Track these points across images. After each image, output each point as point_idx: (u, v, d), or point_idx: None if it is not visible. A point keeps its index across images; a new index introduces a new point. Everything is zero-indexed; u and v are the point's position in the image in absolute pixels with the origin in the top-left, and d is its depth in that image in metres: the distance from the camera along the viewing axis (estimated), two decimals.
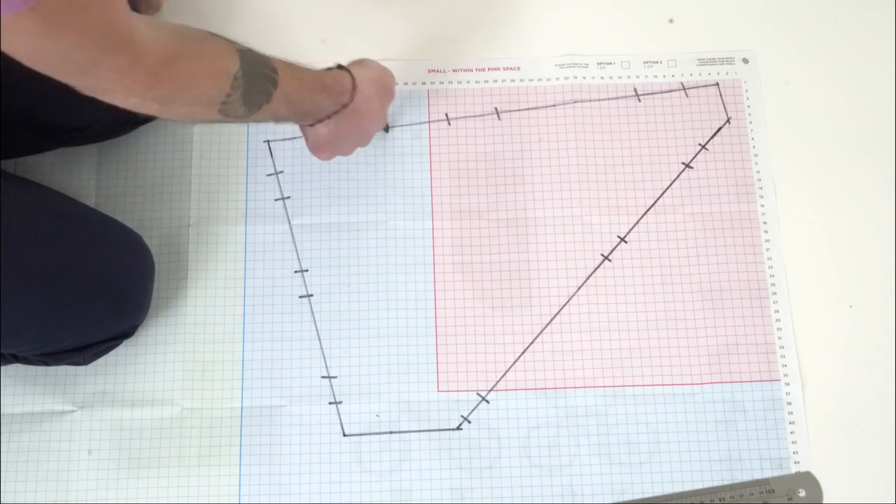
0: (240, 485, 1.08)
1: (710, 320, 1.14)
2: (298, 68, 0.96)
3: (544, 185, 1.19)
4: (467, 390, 1.11)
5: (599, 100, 1.23)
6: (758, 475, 1.09)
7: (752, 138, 1.22)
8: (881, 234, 1.18)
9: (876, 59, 1.26)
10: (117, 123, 1.15)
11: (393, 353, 1.12)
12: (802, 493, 1.08)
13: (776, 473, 1.09)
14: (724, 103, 1.23)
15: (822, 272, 1.17)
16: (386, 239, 1.16)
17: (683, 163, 1.20)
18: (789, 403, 1.11)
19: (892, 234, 1.18)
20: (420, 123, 1.21)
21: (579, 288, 1.15)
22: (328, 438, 1.09)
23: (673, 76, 1.24)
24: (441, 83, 1.23)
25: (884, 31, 1.27)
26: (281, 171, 1.19)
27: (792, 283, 1.16)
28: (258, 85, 0.89)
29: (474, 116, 1.22)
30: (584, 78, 1.24)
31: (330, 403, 1.11)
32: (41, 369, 1.10)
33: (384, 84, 1.10)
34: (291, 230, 1.17)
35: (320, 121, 1.03)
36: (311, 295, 1.14)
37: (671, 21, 1.28)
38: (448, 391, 1.11)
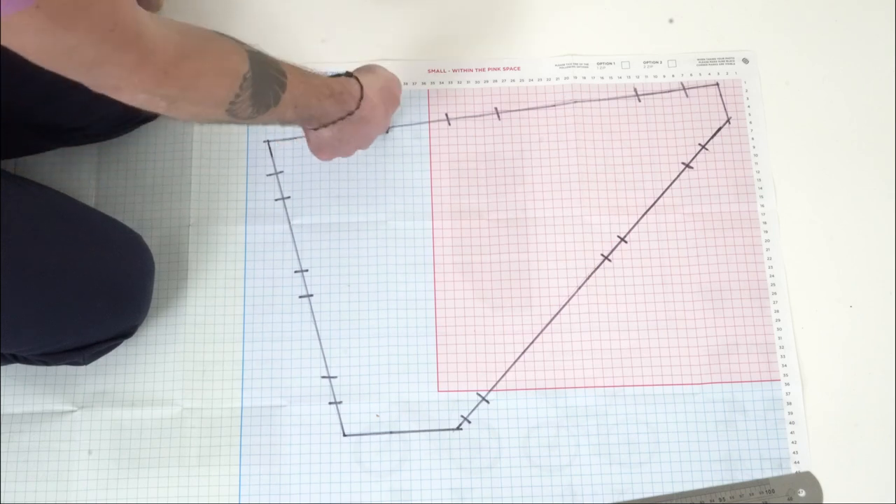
0: (240, 485, 1.08)
1: (710, 320, 1.14)
2: (307, 73, 0.96)
3: (544, 185, 1.19)
4: (467, 390, 1.11)
5: (599, 100, 1.23)
6: (758, 475, 1.09)
7: (752, 138, 1.22)
8: (881, 234, 1.18)
9: (876, 59, 1.26)
10: (117, 123, 1.15)
11: (393, 353, 1.12)
12: (802, 493, 1.08)
13: (776, 473, 1.09)
14: (724, 103, 1.23)
15: (822, 272, 1.17)
16: (386, 239, 1.16)
17: (683, 163, 1.21)
18: (789, 403, 1.11)
19: (892, 234, 1.18)
20: (420, 123, 1.21)
21: (579, 288, 1.15)
22: (328, 438, 1.09)
23: (673, 76, 1.24)
24: (441, 83, 1.23)
25: (884, 31, 1.27)
26: (281, 171, 1.19)
27: (792, 283, 1.16)
28: (267, 87, 0.89)
29: (474, 116, 1.22)
30: (584, 78, 1.24)
31: (330, 403, 1.11)
32: (41, 369, 1.10)
33: (391, 92, 1.10)
34: (291, 230, 1.17)
35: (325, 125, 1.03)
36: (311, 295, 1.14)
37: (671, 21, 1.28)
38: (448, 391, 1.11)
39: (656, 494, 1.08)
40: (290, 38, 1.24)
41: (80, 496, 1.07)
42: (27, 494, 1.07)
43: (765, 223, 1.18)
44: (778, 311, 1.15)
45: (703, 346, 1.13)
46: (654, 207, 1.18)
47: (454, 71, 1.24)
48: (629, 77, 1.24)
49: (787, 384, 1.12)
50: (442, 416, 1.10)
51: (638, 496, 1.08)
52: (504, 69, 1.24)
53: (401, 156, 1.20)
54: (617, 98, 1.23)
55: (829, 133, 1.23)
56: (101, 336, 1.04)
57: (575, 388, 1.11)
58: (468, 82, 1.23)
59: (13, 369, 1.09)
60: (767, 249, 1.17)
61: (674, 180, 1.20)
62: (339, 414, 1.10)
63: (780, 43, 1.26)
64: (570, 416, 1.10)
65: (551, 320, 1.14)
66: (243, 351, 1.12)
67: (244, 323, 1.13)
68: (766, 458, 1.09)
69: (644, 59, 1.25)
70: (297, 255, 1.16)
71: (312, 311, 1.14)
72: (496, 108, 1.22)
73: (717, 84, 1.24)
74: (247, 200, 1.18)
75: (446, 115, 1.22)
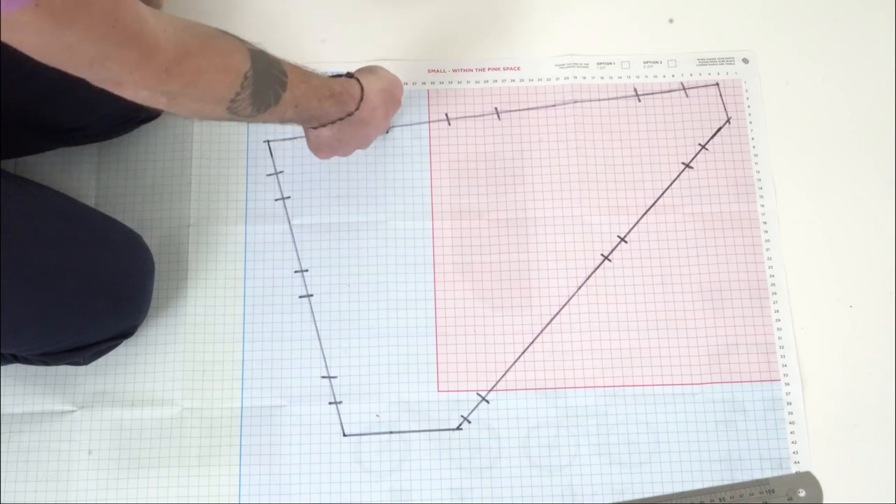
0: (240, 485, 1.08)
1: (710, 320, 1.14)
2: (308, 73, 0.96)
3: (544, 185, 1.19)
4: (467, 390, 1.11)
5: (599, 100, 1.23)
6: (758, 475, 1.09)
7: (752, 138, 1.22)
8: (881, 234, 1.18)
9: (876, 59, 1.26)
10: (117, 123, 1.15)
11: (393, 353, 1.12)
12: (802, 493, 1.08)
13: (776, 473, 1.09)
14: (724, 103, 1.23)
15: (822, 272, 1.17)
16: (386, 239, 1.16)
17: (683, 163, 1.20)
18: (789, 403, 1.11)
19: (892, 234, 1.18)
20: (420, 123, 1.21)
21: (579, 288, 1.15)
22: (328, 438, 1.09)
23: (673, 76, 1.24)
24: (441, 83, 1.23)
25: (884, 31, 1.27)
26: (281, 171, 1.19)
27: (792, 283, 1.16)
28: (268, 86, 0.89)
29: (474, 116, 1.22)
30: (584, 78, 1.24)
31: (330, 403, 1.11)
32: (41, 369, 1.10)
33: (392, 94, 1.10)
34: (291, 230, 1.17)
35: (324, 125, 1.03)
36: (311, 295, 1.14)
37: (671, 21, 1.28)
38: (448, 391, 1.11)
39: (656, 494, 1.08)
40: (290, 38, 1.24)
41: (80, 496, 1.07)
42: (27, 494, 1.07)
43: (765, 223, 1.18)
44: (778, 311, 1.15)
45: (703, 346, 1.13)
46: (654, 207, 1.18)
47: (454, 71, 1.24)
48: (629, 77, 1.24)
49: (787, 384, 1.12)
50: (442, 416, 1.10)
51: (638, 496, 1.08)
52: (504, 69, 1.24)
53: (401, 156, 1.20)
54: (617, 98, 1.23)
55: (829, 133, 1.23)
56: (101, 336, 1.04)
57: (575, 388, 1.11)
58: (468, 82, 1.23)
59: (13, 369, 1.09)
60: (767, 249, 1.17)
61: (674, 180, 1.20)
62: (339, 414, 1.10)
63: (780, 43, 1.26)
64: (570, 416, 1.10)
65: (551, 320, 1.14)
66: (243, 351, 1.12)
67: (244, 323, 1.13)
68: (766, 458, 1.09)
69: (644, 59, 1.25)
70: (297, 255, 1.16)
71: (312, 311, 1.14)
72: (496, 108, 1.22)
73: (717, 84, 1.24)
74: (247, 200, 1.18)
75: (446, 115, 1.22)
